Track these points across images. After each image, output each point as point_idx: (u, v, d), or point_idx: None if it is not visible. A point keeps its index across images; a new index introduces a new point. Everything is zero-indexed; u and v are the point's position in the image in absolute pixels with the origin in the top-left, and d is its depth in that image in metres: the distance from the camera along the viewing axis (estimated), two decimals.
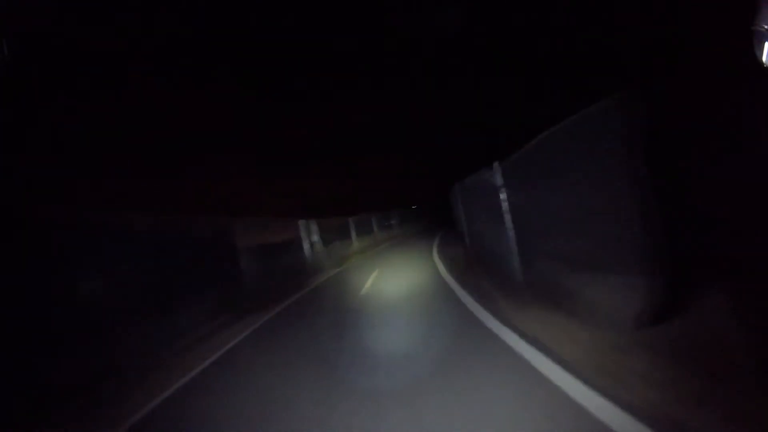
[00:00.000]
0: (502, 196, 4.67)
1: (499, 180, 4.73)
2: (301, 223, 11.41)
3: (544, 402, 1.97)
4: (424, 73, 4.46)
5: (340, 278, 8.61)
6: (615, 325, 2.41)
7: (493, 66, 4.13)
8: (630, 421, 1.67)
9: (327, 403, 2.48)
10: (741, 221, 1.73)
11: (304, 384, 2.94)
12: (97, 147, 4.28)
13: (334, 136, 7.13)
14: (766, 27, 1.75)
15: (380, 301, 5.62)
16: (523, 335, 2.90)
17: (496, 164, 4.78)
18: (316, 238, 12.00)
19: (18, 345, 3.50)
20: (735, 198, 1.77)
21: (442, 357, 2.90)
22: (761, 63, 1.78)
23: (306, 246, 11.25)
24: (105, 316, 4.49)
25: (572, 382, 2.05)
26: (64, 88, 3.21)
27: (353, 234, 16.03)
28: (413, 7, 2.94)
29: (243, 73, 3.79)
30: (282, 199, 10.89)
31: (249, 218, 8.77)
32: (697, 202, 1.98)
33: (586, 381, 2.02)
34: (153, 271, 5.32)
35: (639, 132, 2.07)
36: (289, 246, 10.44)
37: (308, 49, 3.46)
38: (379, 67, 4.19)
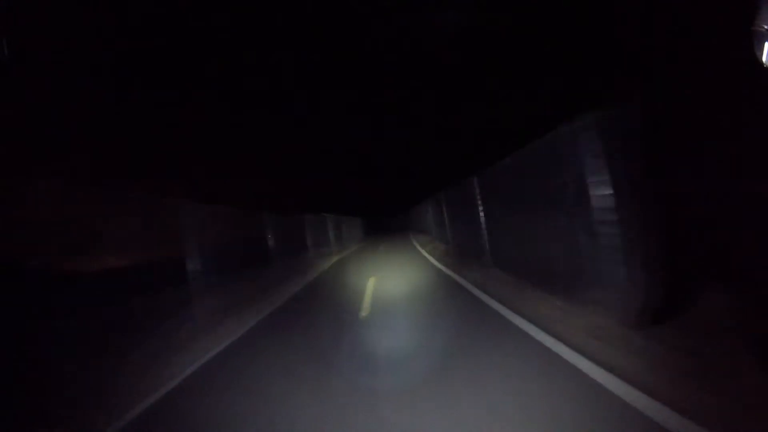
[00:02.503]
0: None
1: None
2: None
3: None
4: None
5: None
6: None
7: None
8: None
9: None
10: (740, 222, 1.73)
11: None
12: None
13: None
14: (766, 27, 1.77)
15: None
16: None
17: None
18: None
19: None
20: (734, 199, 1.77)
21: None
22: (761, 63, 1.78)
23: None
24: None
25: None
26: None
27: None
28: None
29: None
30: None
31: None
32: (697, 204, 1.98)
33: None
34: None
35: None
36: None
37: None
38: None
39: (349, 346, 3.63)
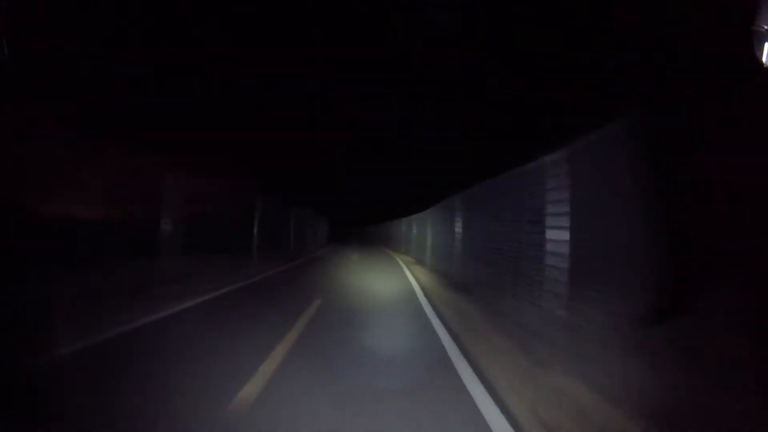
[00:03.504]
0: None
1: None
2: None
3: None
4: None
5: None
6: None
7: None
8: None
9: None
10: (741, 222, 1.70)
11: None
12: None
13: None
14: (766, 27, 1.75)
15: None
16: None
17: None
18: None
19: None
20: (735, 199, 1.74)
21: None
22: (761, 63, 1.76)
23: None
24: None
25: None
26: None
27: None
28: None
29: None
30: None
31: None
32: (697, 208, 1.95)
33: None
34: None
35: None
36: None
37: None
38: None
39: None
